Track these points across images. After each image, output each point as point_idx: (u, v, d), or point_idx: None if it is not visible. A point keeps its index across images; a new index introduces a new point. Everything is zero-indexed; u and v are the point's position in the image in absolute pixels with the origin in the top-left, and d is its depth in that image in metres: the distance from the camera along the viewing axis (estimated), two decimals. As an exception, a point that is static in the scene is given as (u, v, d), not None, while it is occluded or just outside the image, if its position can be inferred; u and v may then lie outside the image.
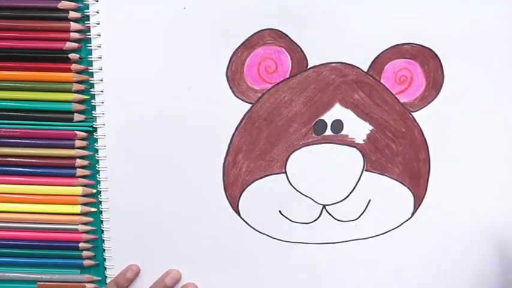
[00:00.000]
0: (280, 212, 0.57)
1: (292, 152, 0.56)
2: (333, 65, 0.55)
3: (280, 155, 0.56)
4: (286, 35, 0.54)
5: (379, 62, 0.54)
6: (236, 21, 0.54)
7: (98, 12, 0.55)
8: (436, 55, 0.54)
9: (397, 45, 0.54)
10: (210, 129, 0.56)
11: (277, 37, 0.54)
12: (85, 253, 0.59)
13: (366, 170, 0.56)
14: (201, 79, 0.55)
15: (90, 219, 0.59)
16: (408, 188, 0.56)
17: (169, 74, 0.55)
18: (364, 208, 0.57)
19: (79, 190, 0.58)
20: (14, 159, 0.58)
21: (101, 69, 0.55)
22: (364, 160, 0.56)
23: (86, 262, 0.60)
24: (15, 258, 0.60)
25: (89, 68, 0.56)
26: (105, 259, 0.59)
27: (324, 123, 0.56)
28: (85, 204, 0.58)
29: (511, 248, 0.57)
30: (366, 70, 0.54)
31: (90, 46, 0.55)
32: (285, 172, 0.56)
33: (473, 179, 0.56)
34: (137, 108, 0.56)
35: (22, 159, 0.58)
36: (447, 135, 0.55)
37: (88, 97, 0.57)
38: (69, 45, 0.55)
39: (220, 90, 0.55)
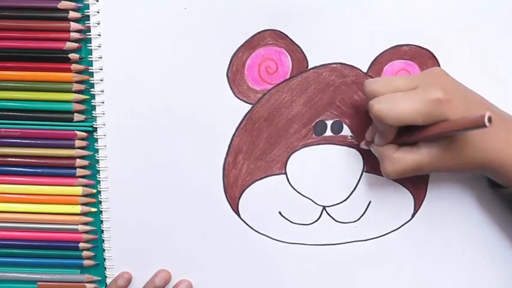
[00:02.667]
0: (280, 213, 0.57)
1: (293, 152, 0.56)
2: (333, 65, 0.54)
3: (280, 156, 0.56)
4: (287, 36, 0.54)
5: (379, 62, 0.54)
6: (237, 22, 0.54)
7: (98, 12, 0.54)
8: (434, 56, 0.54)
9: (396, 46, 0.54)
10: (210, 129, 0.56)
11: (278, 38, 0.54)
12: (85, 253, 0.59)
13: (366, 171, 0.56)
14: (202, 79, 0.55)
15: (90, 219, 0.59)
16: (408, 190, 0.56)
17: (170, 74, 0.55)
18: (364, 209, 0.57)
19: (79, 190, 0.58)
20: (14, 159, 0.58)
21: (101, 69, 0.55)
22: (364, 161, 0.56)
23: (86, 262, 0.60)
24: (15, 258, 0.59)
25: (89, 68, 0.56)
26: (105, 259, 0.59)
27: (324, 124, 0.55)
28: (85, 204, 0.58)
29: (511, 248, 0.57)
30: (365, 71, 0.54)
31: (90, 46, 0.55)
32: (285, 173, 0.56)
33: (473, 179, 0.56)
34: (137, 108, 0.56)
35: (22, 159, 0.58)
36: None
37: (88, 97, 0.56)
38: (69, 45, 0.55)
39: (221, 91, 0.55)
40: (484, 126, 0.41)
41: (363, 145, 0.55)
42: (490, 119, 0.41)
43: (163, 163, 0.57)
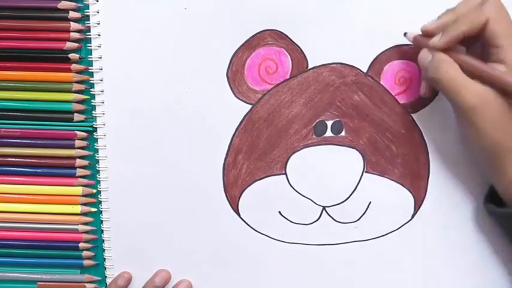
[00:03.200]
0: (280, 213, 0.57)
1: (293, 153, 0.56)
2: (333, 65, 0.54)
3: (280, 156, 0.56)
4: (287, 36, 0.54)
5: (378, 62, 0.54)
6: (237, 22, 0.54)
7: (98, 12, 0.54)
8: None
9: (396, 46, 0.54)
10: (210, 129, 0.56)
11: (278, 38, 0.54)
12: (85, 253, 0.59)
13: (366, 172, 0.56)
14: (202, 79, 0.55)
15: (90, 219, 0.59)
16: (408, 190, 0.56)
17: (170, 74, 0.55)
18: (364, 210, 0.57)
19: (79, 190, 0.58)
20: (14, 159, 0.58)
21: (101, 69, 0.55)
22: (364, 161, 0.56)
23: (86, 262, 0.60)
24: (15, 258, 0.59)
25: (89, 68, 0.56)
26: (105, 259, 0.59)
27: (324, 125, 0.55)
28: (85, 204, 0.58)
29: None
30: (365, 71, 0.54)
31: (90, 46, 0.55)
32: (285, 173, 0.56)
33: (473, 180, 0.56)
34: (137, 108, 0.56)
35: (22, 159, 0.58)
36: (447, 137, 0.55)
37: (88, 97, 0.57)
38: (69, 45, 0.55)
39: (221, 91, 0.55)
40: None
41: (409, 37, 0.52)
42: None
43: (163, 163, 0.57)
